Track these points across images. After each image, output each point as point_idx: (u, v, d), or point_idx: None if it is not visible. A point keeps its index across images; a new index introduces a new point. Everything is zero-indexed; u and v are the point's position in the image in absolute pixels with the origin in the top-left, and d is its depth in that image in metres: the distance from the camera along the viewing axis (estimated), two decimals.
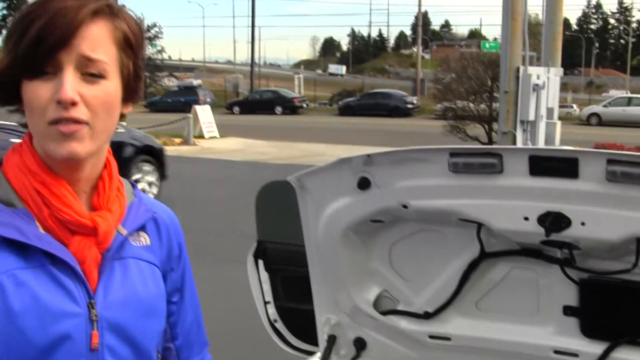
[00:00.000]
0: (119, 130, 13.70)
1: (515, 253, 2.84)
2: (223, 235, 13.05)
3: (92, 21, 1.64)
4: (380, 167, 2.84)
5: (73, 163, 1.69)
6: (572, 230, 2.60)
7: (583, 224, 2.58)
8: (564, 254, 2.74)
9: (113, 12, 1.69)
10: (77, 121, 1.62)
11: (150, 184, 15.99)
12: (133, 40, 1.74)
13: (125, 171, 14.05)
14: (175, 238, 2.00)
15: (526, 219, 2.63)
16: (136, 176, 15.31)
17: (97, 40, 1.64)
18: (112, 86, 1.68)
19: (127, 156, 15.10)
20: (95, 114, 1.64)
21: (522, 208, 2.63)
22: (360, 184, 2.89)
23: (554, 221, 2.59)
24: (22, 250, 1.64)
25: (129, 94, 1.77)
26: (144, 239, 1.90)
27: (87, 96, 1.62)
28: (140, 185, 14.83)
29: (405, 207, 2.84)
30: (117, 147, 12.73)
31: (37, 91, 1.62)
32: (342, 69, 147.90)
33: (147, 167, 15.94)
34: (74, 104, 1.60)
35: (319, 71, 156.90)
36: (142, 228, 1.90)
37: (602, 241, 2.62)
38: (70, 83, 1.60)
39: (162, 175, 16.42)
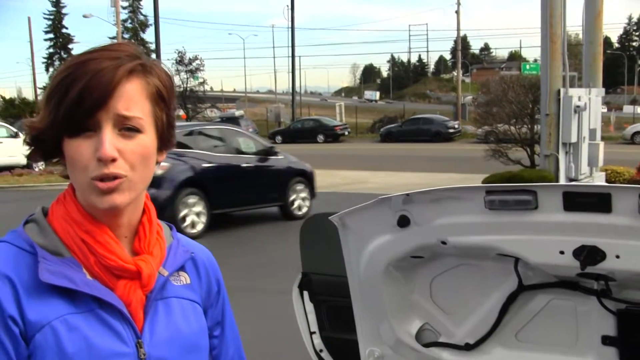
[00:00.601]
0: (279, 157, 18.72)
1: (552, 285, 2.87)
2: (267, 266, 13.07)
3: (127, 80, 1.73)
4: (419, 205, 2.90)
5: (113, 212, 1.79)
6: (607, 263, 2.63)
7: (617, 256, 2.61)
8: (600, 286, 2.77)
9: (146, 70, 1.79)
10: (116, 177, 1.71)
11: (303, 199, 19.02)
12: (165, 94, 1.83)
13: (284, 191, 18.29)
14: (213, 275, 2.10)
15: (562, 252, 2.67)
16: (292, 196, 18.67)
17: (132, 98, 1.74)
18: (147, 139, 1.78)
19: (285, 178, 18.44)
20: (133, 167, 1.75)
21: (558, 242, 2.67)
22: (400, 221, 2.95)
23: (589, 255, 2.62)
24: (72, 296, 1.73)
25: (163, 143, 1.87)
26: (184, 278, 1.99)
27: (125, 151, 1.72)
28: (295, 201, 18.10)
29: (444, 243, 2.89)
30: (277, 171, 18.09)
31: (78, 149, 1.72)
32: (376, 95, 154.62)
33: (300, 187, 18.90)
34: (113, 160, 1.70)
35: (355, 97, 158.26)
36: (182, 268, 1.99)
37: (637, 273, 2.65)
38: (109, 141, 1.69)
39: (312, 194, 19.31)
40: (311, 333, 3.91)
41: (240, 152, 18.13)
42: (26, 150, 1.84)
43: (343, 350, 3.85)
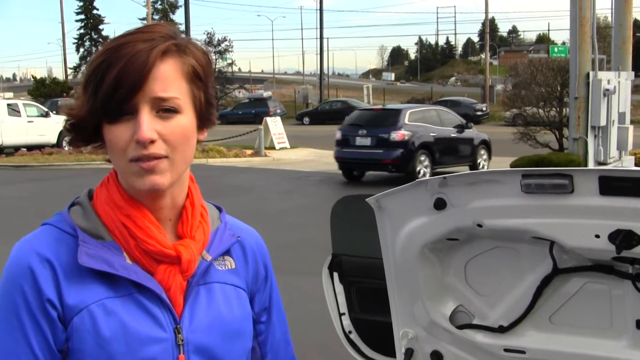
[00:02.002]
0: (470, 130, 25.55)
1: (587, 269, 2.86)
2: (295, 247, 13.09)
3: (161, 62, 1.73)
4: (456, 188, 2.89)
5: (155, 193, 1.80)
6: None
7: None
8: (636, 270, 2.75)
9: (180, 49, 1.79)
10: (156, 157, 1.72)
11: (485, 159, 25.70)
12: (201, 72, 1.82)
13: (474, 153, 25.12)
14: (261, 260, 2.09)
15: (597, 236, 2.65)
16: (479, 158, 25.31)
17: (168, 79, 1.74)
18: (186, 119, 1.77)
19: (475, 145, 25.14)
20: (174, 147, 1.75)
21: (593, 226, 2.65)
22: (437, 204, 2.94)
23: (624, 239, 2.60)
24: (110, 280, 1.75)
25: (203, 121, 1.86)
26: (229, 262, 1.98)
27: (164, 132, 1.72)
28: (480, 162, 25.40)
29: (480, 226, 2.89)
30: (470, 139, 25.06)
31: (117, 133, 1.72)
32: (392, 76, 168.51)
33: (483, 152, 25.70)
34: (152, 142, 1.70)
35: (372, 79, 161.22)
36: (228, 252, 1.98)
37: None
38: (147, 123, 1.70)
39: (489, 157, 26.01)
40: (340, 314, 3.91)
41: (448, 125, 24.70)
42: (67, 137, 1.85)
43: (372, 331, 3.86)
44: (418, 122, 23.40)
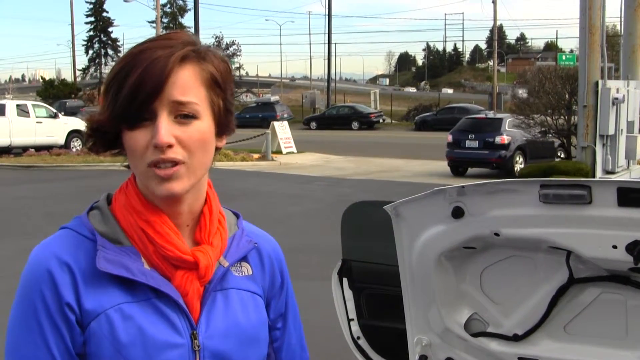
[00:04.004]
0: (549, 135, 27.17)
1: (603, 279, 2.86)
2: (303, 252, 13.06)
3: (180, 67, 1.74)
4: (474, 197, 2.90)
5: (172, 199, 1.80)
6: None
7: None
8: None
9: (199, 56, 1.80)
10: (174, 162, 1.72)
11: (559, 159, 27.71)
12: (220, 79, 1.83)
13: (552, 156, 27.75)
14: (277, 266, 2.09)
15: (614, 247, 2.66)
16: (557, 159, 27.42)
17: (186, 84, 1.74)
18: (204, 125, 1.78)
19: (554, 148, 27.99)
20: (191, 153, 1.75)
21: (611, 237, 2.66)
22: (454, 212, 2.95)
23: None
24: (128, 285, 1.76)
25: (222, 128, 1.86)
26: (246, 269, 1.99)
27: (182, 137, 1.73)
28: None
29: (497, 235, 2.89)
30: (550, 143, 28.18)
31: (136, 138, 1.73)
32: (386, 81, 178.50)
33: (560, 154, 28.13)
34: (169, 146, 1.71)
35: (371, 82, 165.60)
36: (244, 258, 1.99)
37: None
38: (165, 128, 1.70)
39: (564, 158, 27.40)
40: (349, 320, 3.93)
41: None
42: (88, 143, 1.85)
43: (381, 337, 3.87)
44: (514, 128, 27.64)
